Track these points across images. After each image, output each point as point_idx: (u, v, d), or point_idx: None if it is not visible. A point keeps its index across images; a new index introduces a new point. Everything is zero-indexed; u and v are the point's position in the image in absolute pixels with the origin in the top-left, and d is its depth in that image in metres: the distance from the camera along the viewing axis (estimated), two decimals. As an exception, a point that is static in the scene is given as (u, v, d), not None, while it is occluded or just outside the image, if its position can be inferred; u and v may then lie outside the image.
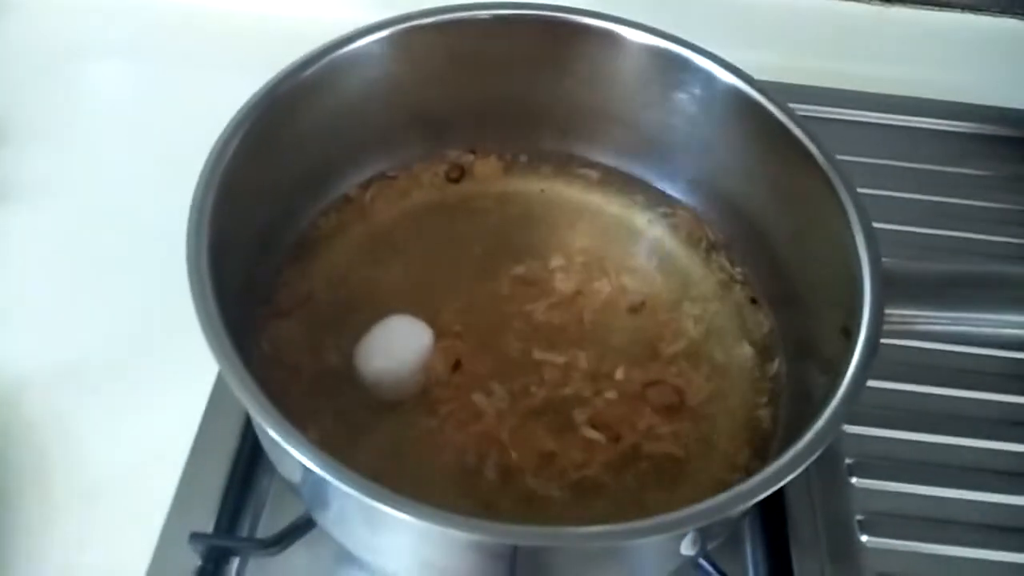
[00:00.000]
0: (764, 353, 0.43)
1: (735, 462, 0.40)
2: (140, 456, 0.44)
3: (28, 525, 0.42)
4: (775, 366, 0.43)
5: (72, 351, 0.48)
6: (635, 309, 0.44)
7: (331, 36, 0.43)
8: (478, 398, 0.41)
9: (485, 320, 0.43)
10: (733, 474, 0.39)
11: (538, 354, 0.42)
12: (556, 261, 0.46)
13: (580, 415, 0.40)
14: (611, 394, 0.41)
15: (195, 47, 0.64)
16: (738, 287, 0.46)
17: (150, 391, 0.46)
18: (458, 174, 0.49)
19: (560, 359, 0.42)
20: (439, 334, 0.42)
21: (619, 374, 0.42)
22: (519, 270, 0.45)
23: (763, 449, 0.40)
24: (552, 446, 0.39)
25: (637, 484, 0.39)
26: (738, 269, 0.46)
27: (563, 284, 0.45)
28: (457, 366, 0.41)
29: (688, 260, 0.47)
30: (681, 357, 0.43)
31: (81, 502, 0.43)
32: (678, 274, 0.46)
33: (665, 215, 0.48)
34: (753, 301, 0.45)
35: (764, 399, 0.42)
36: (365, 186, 0.47)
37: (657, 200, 0.49)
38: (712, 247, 0.47)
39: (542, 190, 0.49)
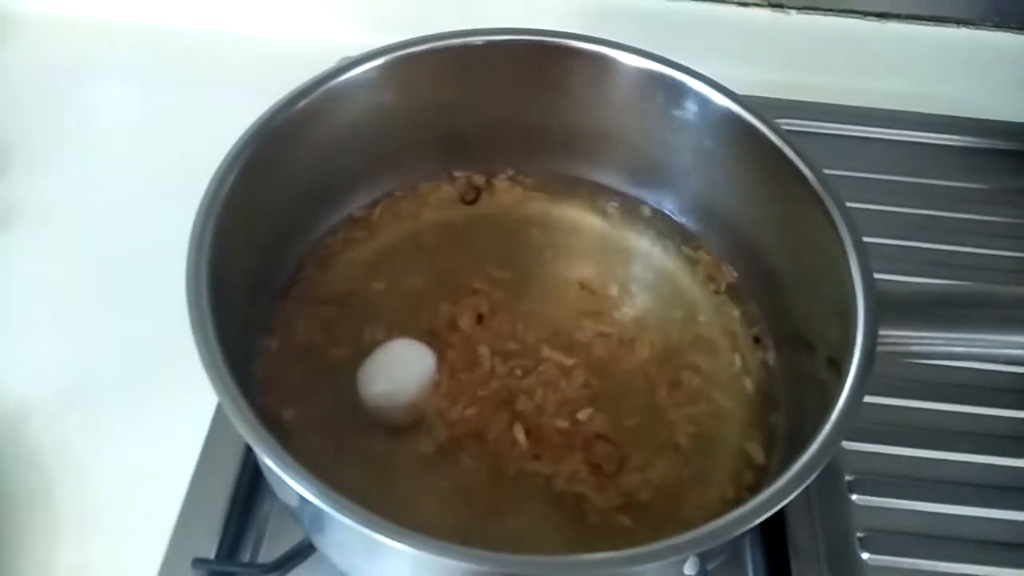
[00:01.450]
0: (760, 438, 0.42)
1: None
2: (142, 481, 0.44)
3: (31, 551, 0.42)
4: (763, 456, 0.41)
5: (74, 376, 0.48)
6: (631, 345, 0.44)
7: (334, 58, 0.43)
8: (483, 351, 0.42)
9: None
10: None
11: (547, 351, 0.43)
12: (567, 286, 0.46)
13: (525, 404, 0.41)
14: (563, 423, 0.41)
15: (199, 69, 0.65)
16: (744, 325, 0.45)
17: (152, 415, 0.46)
18: (474, 196, 0.49)
19: (564, 362, 0.43)
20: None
21: (582, 414, 0.41)
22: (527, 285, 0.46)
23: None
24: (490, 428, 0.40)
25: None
26: (742, 305, 0.46)
27: (574, 307, 0.45)
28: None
29: (690, 289, 0.47)
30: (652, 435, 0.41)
31: (84, 528, 0.43)
32: (678, 303, 0.46)
33: (670, 240, 0.48)
34: (756, 340, 0.45)
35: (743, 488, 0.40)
36: (371, 207, 0.48)
37: (661, 225, 0.49)
38: (717, 278, 0.47)
39: (550, 213, 0.49)
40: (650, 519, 0.39)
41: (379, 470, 0.39)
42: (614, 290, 0.46)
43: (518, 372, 0.42)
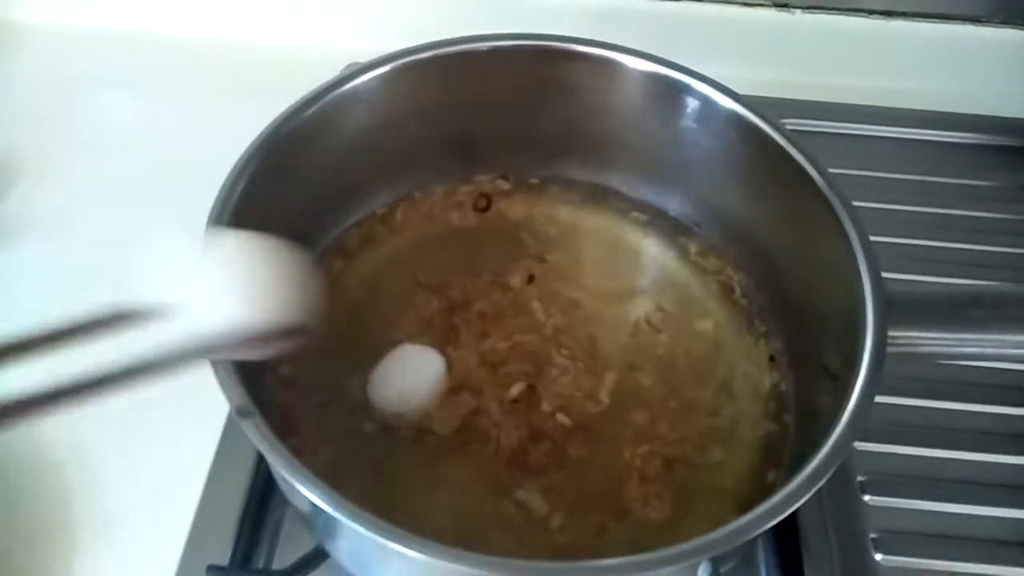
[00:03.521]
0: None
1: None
2: (156, 489, 0.45)
3: (46, 558, 0.42)
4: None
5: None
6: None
7: (340, 65, 0.44)
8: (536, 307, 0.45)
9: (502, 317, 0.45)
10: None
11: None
12: (580, 294, 0.46)
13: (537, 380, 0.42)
14: (546, 407, 0.42)
15: (206, 78, 0.65)
16: (753, 326, 0.45)
17: (165, 424, 0.46)
18: (485, 204, 0.49)
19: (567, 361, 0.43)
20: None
21: (561, 417, 0.41)
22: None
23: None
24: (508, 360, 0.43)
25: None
26: (751, 306, 0.46)
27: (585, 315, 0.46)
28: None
29: (700, 294, 0.47)
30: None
31: (98, 536, 0.43)
32: (688, 308, 0.46)
33: (677, 244, 0.48)
34: (772, 359, 0.44)
35: None
36: (386, 209, 0.48)
37: (669, 228, 0.49)
38: (724, 282, 0.47)
39: (559, 218, 0.49)
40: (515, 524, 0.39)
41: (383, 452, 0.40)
42: (622, 298, 0.46)
43: (565, 350, 0.43)
